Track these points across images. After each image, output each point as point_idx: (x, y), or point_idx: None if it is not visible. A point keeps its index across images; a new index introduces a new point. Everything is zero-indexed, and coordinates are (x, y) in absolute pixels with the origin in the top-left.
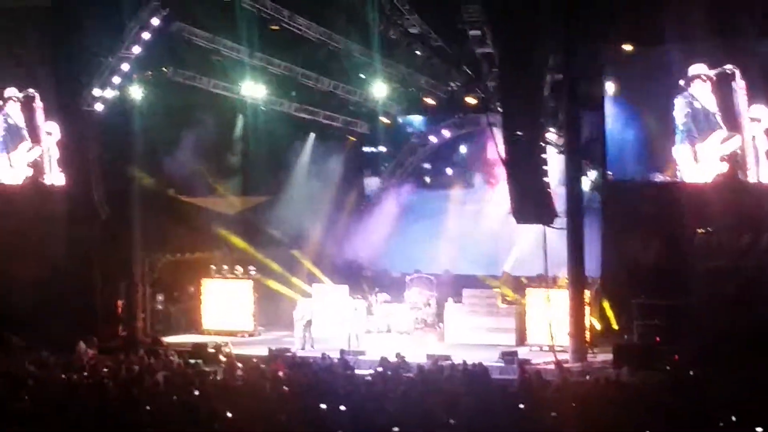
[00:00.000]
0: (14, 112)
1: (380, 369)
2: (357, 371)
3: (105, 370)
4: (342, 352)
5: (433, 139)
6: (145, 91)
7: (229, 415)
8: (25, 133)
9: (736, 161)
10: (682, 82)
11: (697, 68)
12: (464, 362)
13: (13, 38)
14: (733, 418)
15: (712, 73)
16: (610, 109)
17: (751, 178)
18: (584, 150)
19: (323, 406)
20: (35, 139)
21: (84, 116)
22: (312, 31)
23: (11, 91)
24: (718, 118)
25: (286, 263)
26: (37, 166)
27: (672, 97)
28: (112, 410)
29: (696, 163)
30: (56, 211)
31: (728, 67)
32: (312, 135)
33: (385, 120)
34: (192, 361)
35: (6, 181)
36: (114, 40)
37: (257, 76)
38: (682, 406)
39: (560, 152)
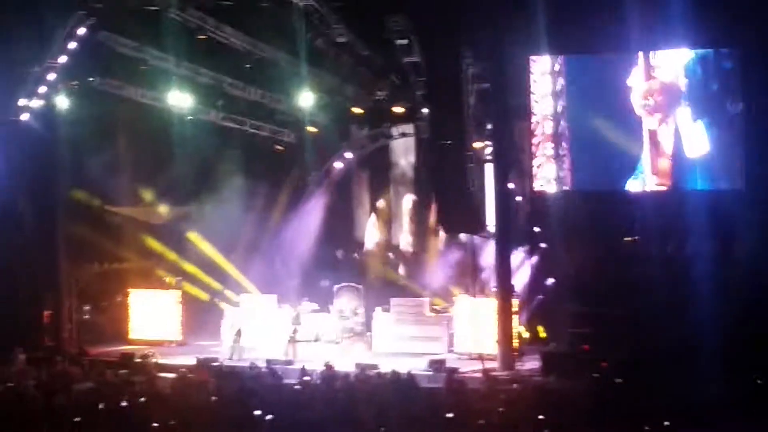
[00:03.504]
0: None
1: (308, 378)
2: (285, 381)
3: (31, 380)
4: (269, 361)
5: (358, 150)
6: (71, 101)
7: (156, 424)
8: None
9: (670, 168)
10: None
11: (636, 77)
12: (393, 371)
13: None
14: (666, 423)
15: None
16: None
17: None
18: (513, 160)
19: (258, 412)
20: None
21: (9, 126)
22: (238, 41)
23: None
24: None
25: (213, 273)
26: None
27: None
28: (38, 421)
29: (642, 172)
30: None
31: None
32: (238, 144)
33: (312, 129)
34: (119, 371)
35: None
36: (40, 50)
37: (184, 85)
38: (609, 414)
39: (487, 162)
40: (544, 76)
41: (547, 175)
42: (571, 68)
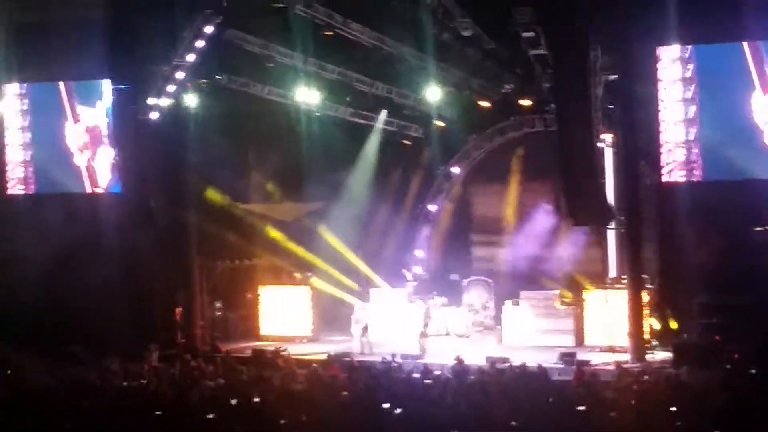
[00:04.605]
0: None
1: (438, 372)
2: (415, 375)
3: (164, 377)
4: (400, 355)
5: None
6: (199, 99)
7: (288, 420)
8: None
9: None
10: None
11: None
12: (523, 364)
13: (72, 51)
14: None
15: None
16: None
17: None
18: (641, 151)
19: (386, 405)
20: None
21: (140, 125)
22: (365, 36)
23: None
24: None
25: (343, 268)
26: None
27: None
28: (172, 417)
29: None
30: (114, 219)
31: None
32: (366, 140)
33: (439, 123)
34: (251, 367)
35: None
36: (168, 49)
37: (311, 81)
38: (743, 405)
39: (616, 153)
40: (674, 63)
41: (676, 163)
42: (701, 55)
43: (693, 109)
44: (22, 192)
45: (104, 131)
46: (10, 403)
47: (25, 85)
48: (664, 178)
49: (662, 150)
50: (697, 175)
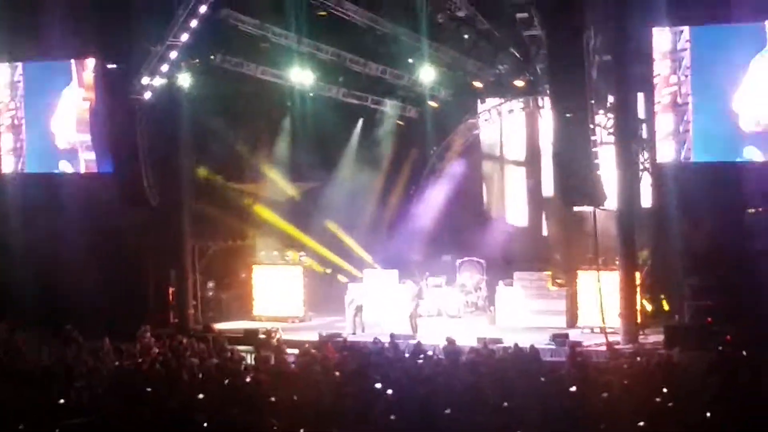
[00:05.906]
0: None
1: (430, 353)
2: (408, 355)
3: (157, 356)
4: (392, 336)
5: (481, 122)
6: (193, 79)
7: (280, 400)
8: None
9: None
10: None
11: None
12: (515, 345)
13: (62, 30)
14: None
15: None
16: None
17: None
18: (635, 132)
19: (378, 385)
20: None
21: (132, 104)
22: (359, 16)
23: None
24: None
25: (336, 248)
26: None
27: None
28: (164, 396)
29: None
30: (105, 199)
31: None
32: (360, 120)
33: (433, 104)
34: (243, 347)
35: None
36: (162, 28)
37: (305, 62)
38: (735, 387)
39: (610, 134)
40: (666, 46)
41: (668, 146)
42: (697, 39)
43: (685, 90)
44: (15, 171)
45: None
46: (3, 383)
47: (18, 64)
48: (658, 160)
49: (657, 132)
50: (689, 155)
